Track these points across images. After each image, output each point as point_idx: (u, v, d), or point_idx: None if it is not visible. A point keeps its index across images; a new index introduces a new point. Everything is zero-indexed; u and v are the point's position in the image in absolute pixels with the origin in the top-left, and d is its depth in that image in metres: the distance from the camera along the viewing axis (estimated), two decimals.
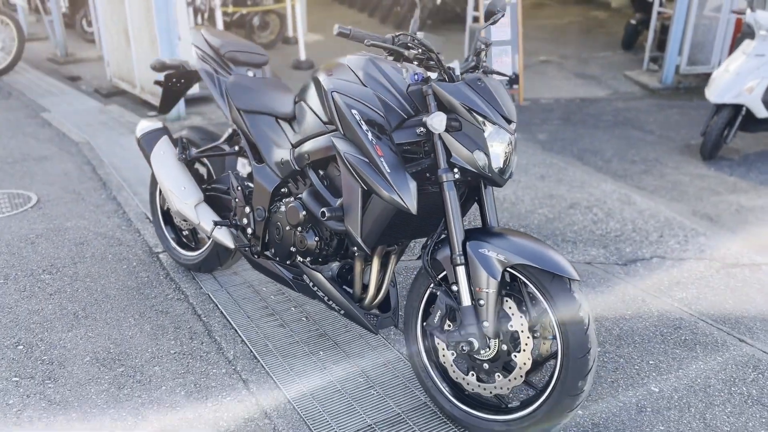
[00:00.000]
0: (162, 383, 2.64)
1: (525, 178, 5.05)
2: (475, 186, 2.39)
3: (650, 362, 2.85)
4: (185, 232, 3.49)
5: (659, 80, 8.21)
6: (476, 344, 2.23)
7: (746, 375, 2.78)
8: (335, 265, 2.73)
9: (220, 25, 7.86)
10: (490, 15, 2.56)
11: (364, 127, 2.30)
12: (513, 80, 7.23)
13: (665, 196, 4.87)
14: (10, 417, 2.44)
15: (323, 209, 2.41)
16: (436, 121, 2.15)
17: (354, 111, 2.33)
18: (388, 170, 2.25)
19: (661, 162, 5.61)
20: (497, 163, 2.22)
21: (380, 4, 11.71)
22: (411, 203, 2.25)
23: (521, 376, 2.25)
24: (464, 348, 2.23)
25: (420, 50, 2.25)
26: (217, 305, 3.16)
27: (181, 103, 6.26)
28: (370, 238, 2.39)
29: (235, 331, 2.97)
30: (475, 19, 7.52)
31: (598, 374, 2.75)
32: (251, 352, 2.83)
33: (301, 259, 2.67)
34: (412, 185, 2.26)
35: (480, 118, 2.18)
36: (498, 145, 2.22)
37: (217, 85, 2.98)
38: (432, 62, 2.29)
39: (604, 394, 2.64)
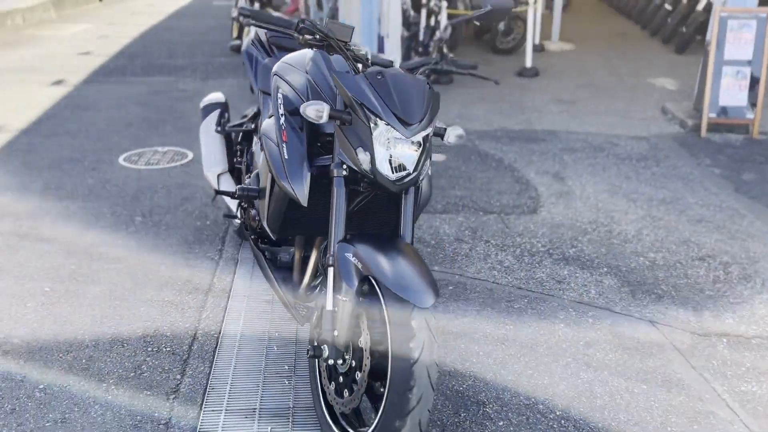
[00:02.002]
0: (130, 323, 2.94)
1: (671, 217, 4.27)
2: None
3: None
4: None
5: None
6: (326, 352, 2.09)
7: None
8: (293, 249, 2.74)
9: (443, 24, 8.01)
10: (477, 8, 2.33)
11: (281, 110, 2.30)
12: (747, 108, 6.09)
13: None
14: (18, 309, 2.97)
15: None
16: (310, 110, 2.05)
17: (280, 94, 2.34)
18: (287, 157, 2.22)
19: None
20: (383, 167, 2.04)
21: (654, 17, 10.67)
22: (301, 194, 2.18)
23: (359, 398, 2.04)
24: (309, 352, 2.11)
25: (317, 36, 2.16)
26: (235, 271, 3.39)
27: None
28: (273, 224, 2.38)
29: (228, 296, 3.16)
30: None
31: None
32: (222, 318, 2.99)
33: (253, 236, 2.74)
34: (306, 176, 2.19)
35: (371, 116, 2.02)
36: (391, 147, 2.04)
37: (253, 67, 3.18)
38: (347, 51, 2.18)
39: None
